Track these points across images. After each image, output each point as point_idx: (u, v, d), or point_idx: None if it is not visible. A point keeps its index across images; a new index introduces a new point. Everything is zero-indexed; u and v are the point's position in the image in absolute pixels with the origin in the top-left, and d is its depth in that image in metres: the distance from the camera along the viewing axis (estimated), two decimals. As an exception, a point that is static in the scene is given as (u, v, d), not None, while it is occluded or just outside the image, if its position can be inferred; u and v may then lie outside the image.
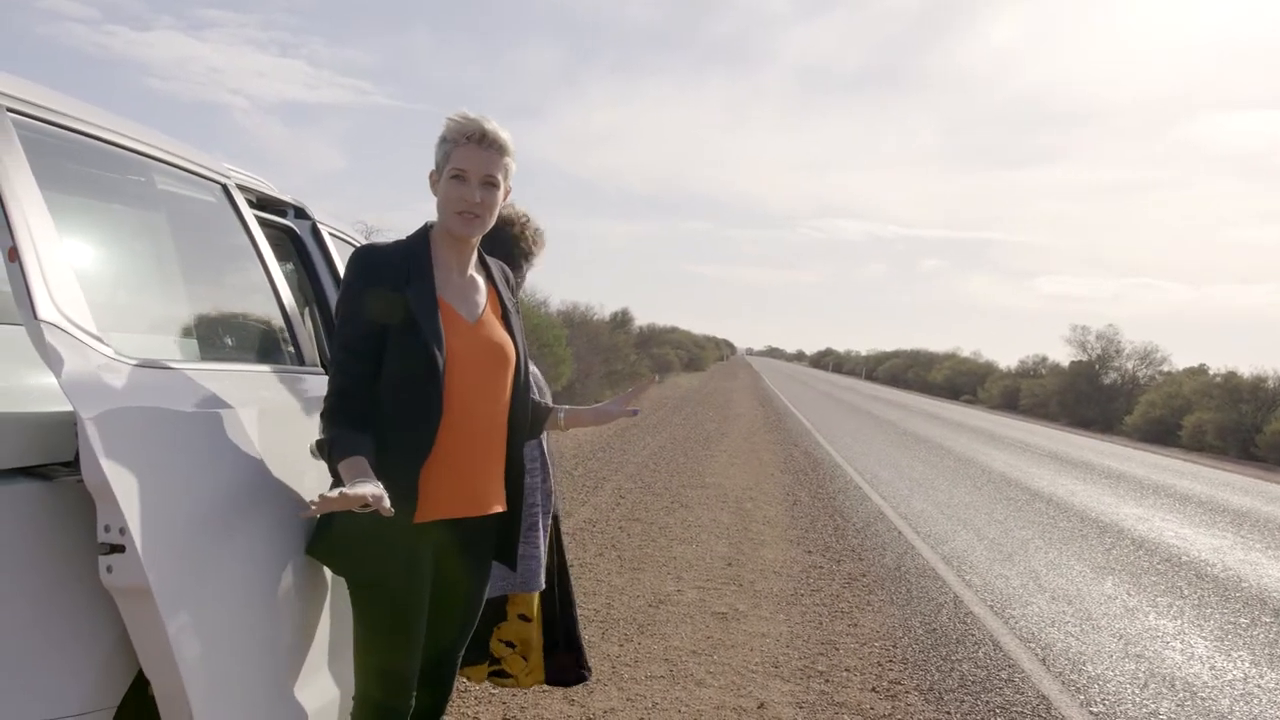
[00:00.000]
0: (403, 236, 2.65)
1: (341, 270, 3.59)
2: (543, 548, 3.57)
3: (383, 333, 2.46)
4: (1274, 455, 25.07)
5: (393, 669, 2.55)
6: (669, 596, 6.68)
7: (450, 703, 2.94)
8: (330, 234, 3.81)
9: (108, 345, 1.95)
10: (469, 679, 3.70)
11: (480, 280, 2.70)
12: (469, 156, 2.51)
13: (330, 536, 2.51)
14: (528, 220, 3.60)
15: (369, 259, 2.52)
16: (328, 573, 2.63)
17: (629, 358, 33.39)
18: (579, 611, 6.09)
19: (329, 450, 2.42)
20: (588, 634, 5.67)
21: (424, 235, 2.61)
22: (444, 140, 2.55)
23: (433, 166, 2.58)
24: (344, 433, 2.41)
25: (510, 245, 3.52)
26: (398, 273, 2.50)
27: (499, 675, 3.69)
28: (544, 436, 3.67)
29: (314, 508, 2.12)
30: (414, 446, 2.46)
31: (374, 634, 2.54)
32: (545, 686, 4.44)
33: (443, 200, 2.55)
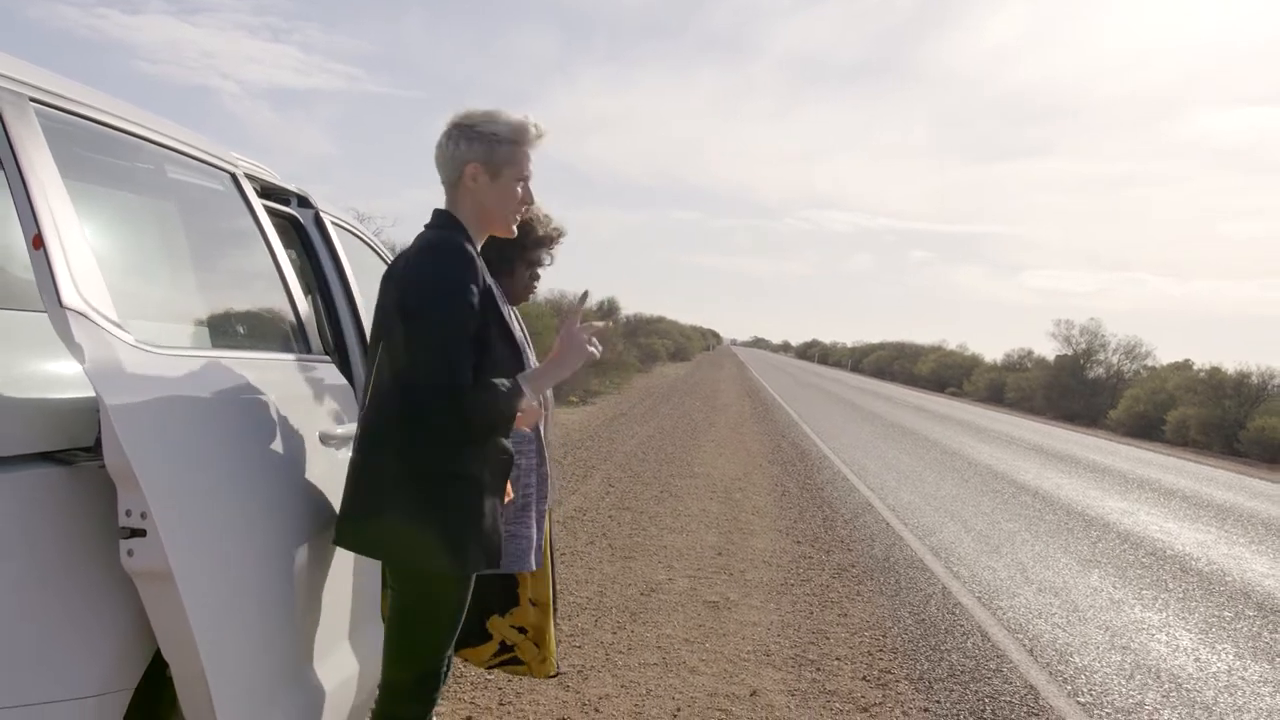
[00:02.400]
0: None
1: (344, 259, 3.62)
2: (534, 529, 3.41)
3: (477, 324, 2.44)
4: (1257, 450, 25.22)
5: (436, 664, 2.62)
6: (660, 585, 6.73)
7: (446, 687, 2.97)
8: (333, 223, 3.83)
9: (129, 332, 1.97)
10: (467, 660, 3.61)
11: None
12: (530, 161, 2.58)
13: (440, 534, 2.46)
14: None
15: (471, 257, 2.48)
16: (343, 554, 2.66)
17: (615, 347, 33.42)
18: (572, 598, 6.15)
19: (500, 401, 2.41)
20: (580, 621, 5.72)
21: (464, 229, 2.58)
22: (505, 141, 2.53)
23: (474, 160, 2.53)
24: (488, 384, 2.41)
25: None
26: (481, 271, 2.51)
27: (512, 663, 3.62)
28: (541, 420, 3.62)
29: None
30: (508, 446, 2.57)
31: (436, 629, 2.59)
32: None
33: (504, 200, 2.56)
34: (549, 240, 3.59)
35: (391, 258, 3.24)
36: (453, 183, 2.57)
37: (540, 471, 3.49)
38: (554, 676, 3.76)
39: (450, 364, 2.34)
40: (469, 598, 2.61)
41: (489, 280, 2.50)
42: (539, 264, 3.59)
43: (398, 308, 2.42)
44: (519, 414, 2.48)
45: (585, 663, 5.02)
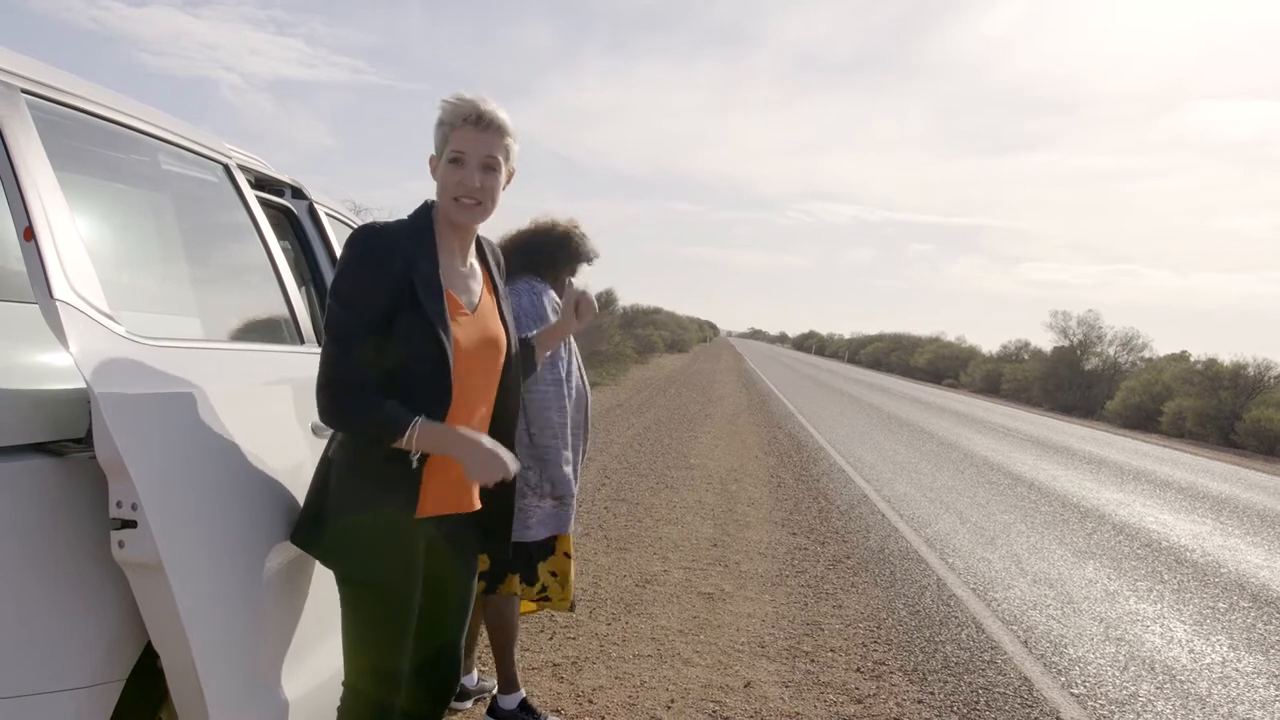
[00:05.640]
0: (393, 215, 2.57)
1: (338, 250, 3.61)
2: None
3: (385, 318, 2.33)
4: (1253, 442, 25.29)
5: (384, 665, 2.48)
6: (655, 576, 6.74)
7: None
8: (327, 214, 3.83)
9: (120, 324, 1.97)
10: (521, 595, 4.11)
11: (478, 267, 2.61)
12: (466, 139, 2.41)
13: (327, 533, 2.41)
14: (576, 227, 4.10)
15: (374, 240, 2.36)
16: None
17: (613, 338, 33.46)
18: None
19: (388, 426, 2.29)
20: (575, 613, 5.72)
21: (428, 215, 2.50)
22: (441, 124, 2.44)
23: (432, 151, 2.49)
24: (390, 404, 2.30)
25: (556, 250, 4.06)
26: (404, 255, 2.37)
27: (544, 600, 4.17)
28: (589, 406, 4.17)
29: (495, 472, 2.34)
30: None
31: (366, 630, 2.46)
32: (535, 665, 4.50)
33: (441, 186, 2.44)
34: (585, 257, 4.15)
35: None
36: None
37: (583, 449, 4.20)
38: (572, 610, 4.26)
39: (333, 358, 2.31)
40: (404, 594, 2.46)
41: (416, 268, 2.38)
42: (573, 275, 4.15)
43: None
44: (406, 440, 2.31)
45: (580, 654, 5.03)
